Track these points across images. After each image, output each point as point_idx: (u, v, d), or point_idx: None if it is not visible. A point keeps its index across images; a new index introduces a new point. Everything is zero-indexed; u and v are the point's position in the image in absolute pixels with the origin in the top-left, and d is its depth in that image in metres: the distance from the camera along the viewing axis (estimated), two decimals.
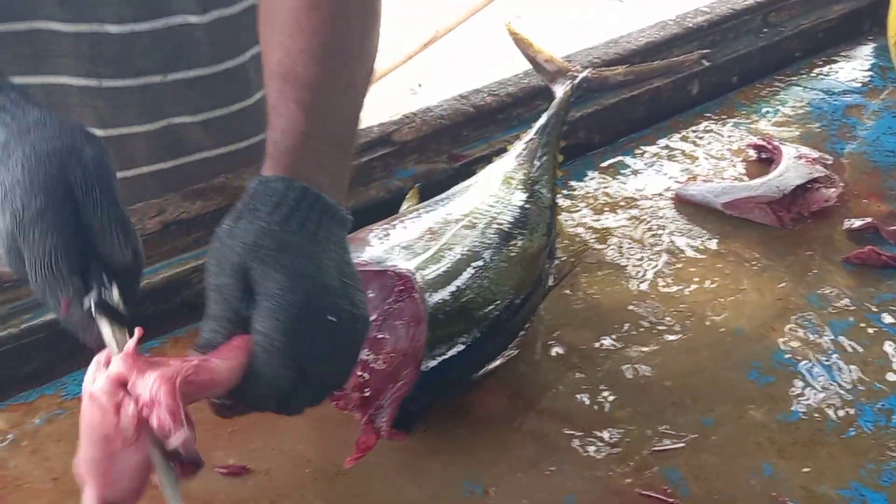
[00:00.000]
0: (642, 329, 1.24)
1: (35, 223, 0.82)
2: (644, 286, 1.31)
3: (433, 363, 1.05)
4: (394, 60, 3.99)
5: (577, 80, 1.51)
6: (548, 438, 1.09)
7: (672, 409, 1.13)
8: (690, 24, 1.79)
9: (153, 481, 0.80)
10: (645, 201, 1.49)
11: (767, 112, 1.74)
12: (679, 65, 1.68)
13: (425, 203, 1.29)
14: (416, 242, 1.16)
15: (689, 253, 1.39)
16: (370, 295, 1.05)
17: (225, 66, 1.33)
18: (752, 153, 1.61)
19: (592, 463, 1.06)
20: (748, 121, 1.71)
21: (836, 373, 1.18)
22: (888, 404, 1.14)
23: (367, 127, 1.45)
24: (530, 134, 1.40)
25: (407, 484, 1.03)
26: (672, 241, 1.41)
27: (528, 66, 1.59)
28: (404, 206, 1.34)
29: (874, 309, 1.29)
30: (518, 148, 1.38)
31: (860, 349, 1.22)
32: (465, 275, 1.13)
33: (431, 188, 1.36)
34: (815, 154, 1.57)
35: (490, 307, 1.12)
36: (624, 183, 1.54)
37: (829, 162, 1.57)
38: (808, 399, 1.15)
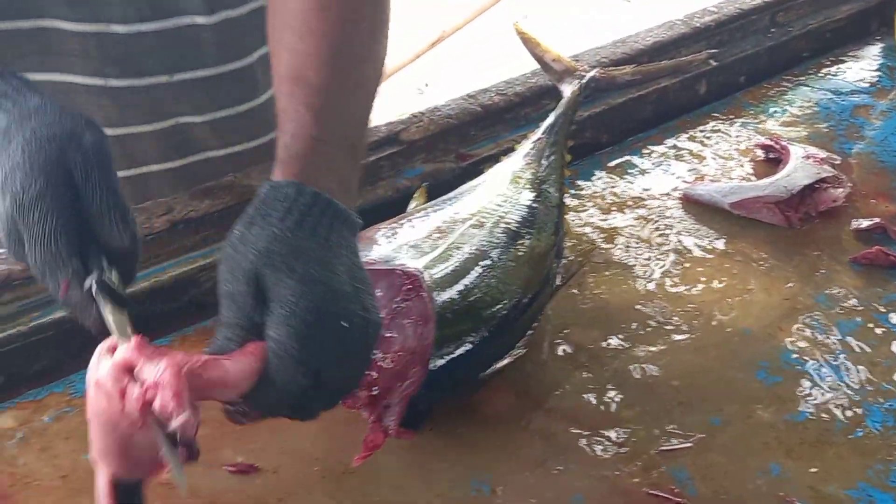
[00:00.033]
0: (650, 329, 1.24)
1: (35, 205, 0.83)
2: (651, 286, 1.31)
3: (441, 362, 1.05)
4: (401, 60, 3.99)
5: (585, 80, 1.51)
6: (555, 437, 1.09)
7: (679, 409, 1.13)
8: (698, 24, 1.79)
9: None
10: (652, 201, 1.49)
11: (775, 112, 1.74)
12: (687, 64, 1.67)
13: (433, 202, 1.29)
14: (423, 241, 1.16)
15: (697, 253, 1.39)
16: (378, 294, 1.05)
17: (232, 67, 1.33)
18: (760, 153, 1.61)
19: (600, 462, 1.06)
20: (756, 121, 1.71)
21: (843, 373, 1.18)
22: None
23: (374, 126, 1.45)
24: (538, 133, 1.40)
25: (414, 482, 1.03)
26: (679, 241, 1.41)
27: (535, 65, 1.59)
28: (412, 205, 1.34)
29: (882, 309, 1.28)
30: (526, 147, 1.38)
31: (868, 349, 1.22)
32: (473, 274, 1.13)
33: (439, 187, 1.36)
34: (822, 154, 1.57)
35: (498, 306, 1.12)
36: (631, 182, 1.54)
37: (837, 162, 1.56)
38: (815, 399, 1.14)
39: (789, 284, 1.33)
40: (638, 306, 1.28)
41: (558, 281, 1.26)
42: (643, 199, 1.49)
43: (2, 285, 1.14)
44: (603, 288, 1.31)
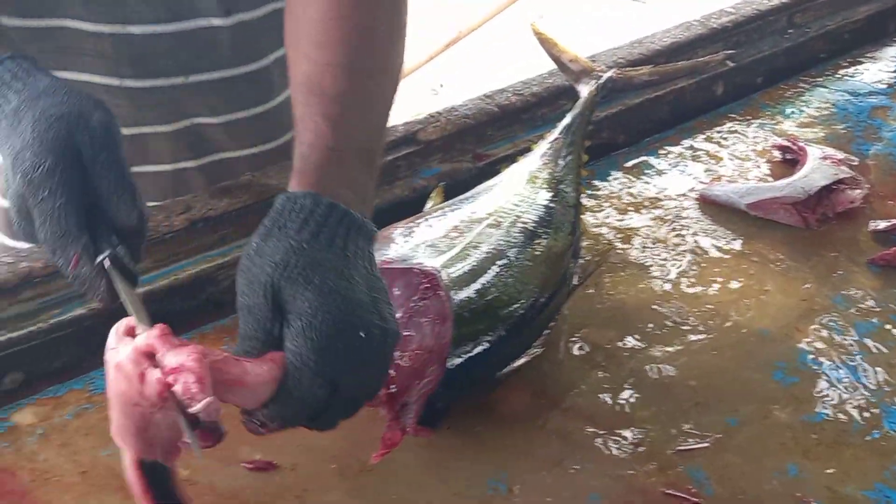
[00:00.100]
0: (666, 329, 1.24)
1: (44, 182, 0.84)
2: (668, 286, 1.32)
3: (458, 360, 1.05)
4: (417, 60, 3.99)
5: (602, 80, 1.51)
6: (572, 437, 1.09)
7: (696, 409, 1.13)
8: (715, 25, 1.79)
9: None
10: (669, 201, 1.49)
11: (792, 113, 1.74)
12: (704, 65, 1.67)
13: (450, 202, 1.29)
14: (441, 240, 1.17)
15: (714, 253, 1.38)
16: (396, 292, 1.06)
17: (247, 69, 1.33)
18: (777, 154, 1.61)
19: (616, 462, 1.06)
20: (773, 122, 1.71)
21: (860, 374, 1.18)
22: None
23: (391, 126, 1.45)
24: (555, 133, 1.40)
25: (431, 480, 1.04)
26: (696, 242, 1.40)
27: (551, 65, 1.59)
28: (429, 204, 1.34)
29: None
30: (543, 147, 1.38)
31: (885, 350, 1.21)
32: (490, 273, 1.14)
33: (456, 187, 1.37)
34: (840, 155, 1.56)
35: (515, 305, 1.12)
36: (648, 183, 1.54)
37: (855, 163, 1.56)
38: (832, 400, 1.14)
39: (806, 285, 1.33)
40: (654, 306, 1.28)
41: (575, 281, 1.26)
42: (660, 200, 1.49)
43: (22, 283, 1.15)
44: (619, 288, 1.31)
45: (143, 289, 1.17)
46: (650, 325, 1.24)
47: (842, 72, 1.87)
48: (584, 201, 1.40)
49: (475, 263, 1.14)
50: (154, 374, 0.79)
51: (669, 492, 1.02)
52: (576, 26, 4.16)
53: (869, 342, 1.23)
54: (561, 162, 1.35)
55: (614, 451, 1.07)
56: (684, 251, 1.38)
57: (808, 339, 1.23)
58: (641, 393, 1.15)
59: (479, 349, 1.08)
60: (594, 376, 1.17)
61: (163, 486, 0.84)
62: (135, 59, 1.26)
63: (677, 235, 1.42)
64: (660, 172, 1.57)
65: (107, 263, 0.86)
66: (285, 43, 1.06)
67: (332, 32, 1.00)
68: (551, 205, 1.27)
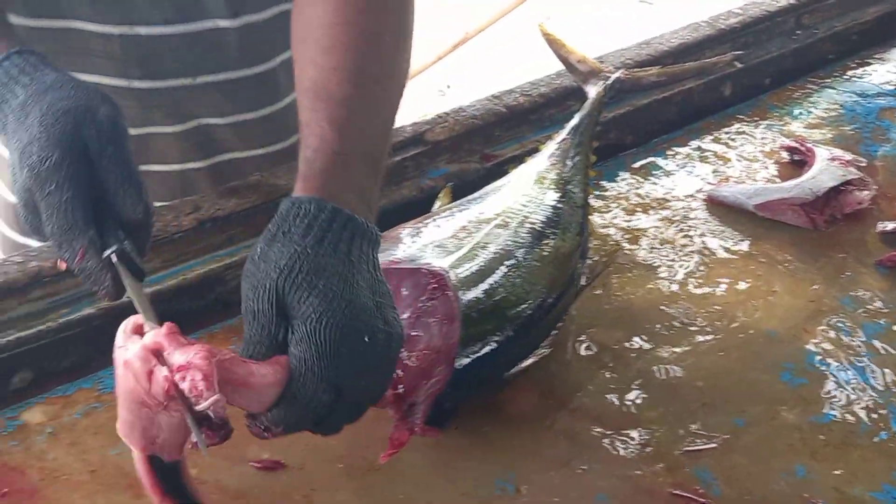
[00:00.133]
0: (674, 330, 1.24)
1: (51, 176, 0.85)
2: (675, 287, 1.32)
3: (466, 361, 1.05)
4: (424, 61, 3.99)
5: (610, 81, 1.51)
6: (579, 437, 1.09)
7: (703, 410, 1.13)
8: (723, 26, 1.79)
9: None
10: (677, 202, 1.49)
11: (800, 114, 1.74)
12: (712, 66, 1.67)
13: (458, 202, 1.29)
14: (449, 241, 1.17)
15: (721, 254, 1.38)
16: (404, 293, 1.06)
17: (254, 71, 1.34)
18: (785, 155, 1.61)
19: (624, 462, 1.06)
20: (781, 123, 1.71)
21: (868, 375, 1.18)
22: None
23: (399, 126, 1.46)
24: (563, 134, 1.40)
25: (439, 480, 1.04)
26: (704, 243, 1.40)
27: (558, 66, 1.60)
28: (436, 205, 1.34)
29: None
30: (551, 147, 1.38)
31: (893, 351, 1.21)
32: (498, 273, 1.14)
33: (463, 188, 1.37)
34: (848, 156, 1.56)
35: (523, 306, 1.12)
36: (655, 184, 1.54)
37: (863, 164, 1.56)
38: (840, 401, 1.14)
39: (814, 286, 1.33)
40: (662, 307, 1.28)
41: (583, 281, 1.26)
42: (667, 201, 1.49)
43: (32, 282, 1.15)
44: (627, 289, 1.31)
45: (152, 289, 1.18)
46: (658, 326, 1.24)
47: (850, 73, 1.87)
48: (592, 202, 1.40)
49: (483, 264, 1.14)
50: (162, 372, 0.80)
51: (677, 492, 1.02)
52: (576, 26, 4.15)
53: (877, 343, 1.23)
54: (569, 162, 1.35)
55: (622, 452, 1.07)
56: (692, 252, 1.38)
57: (816, 341, 1.23)
58: (649, 393, 1.15)
59: (486, 349, 1.08)
60: (602, 377, 1.17)
61: (172, 479, 0.85)
62: (143, 61, 1.26)
63: (685, 236, 1.42)
64: (667, 173, 1.56)
65: (114, 258, 0.86)
66: (292, 48, 1.06)
67: (339, 38, 1.00)
68: (559, 205, 1.27)
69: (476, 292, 1.10)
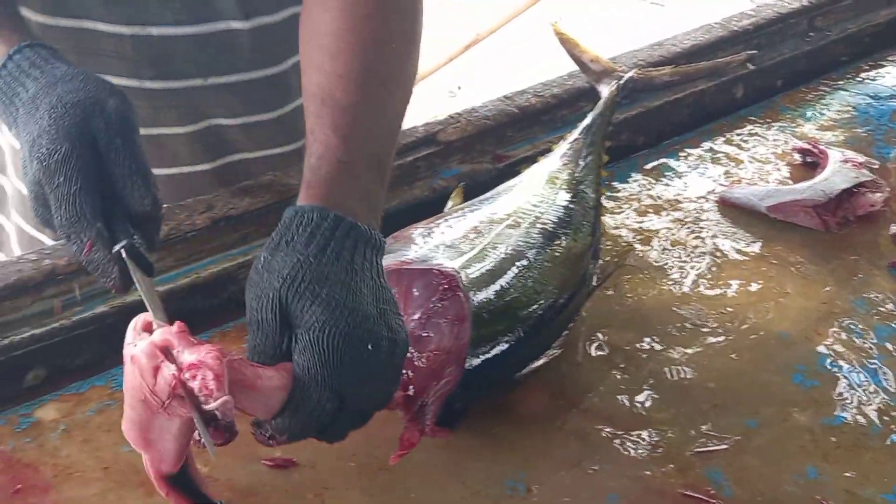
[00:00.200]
0: (685, 331, 1.24)
1: (60, 168, 0.86)
2: (687, 288, 1.31)
3: (477, 361, 1.05)
4: (435, 62, 4.00)
5: (623, 80, 1.50)
6: (590, 438, 1.09)
7: (715, 411, 1.13)
8: (736, 28, 1.78)
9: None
10: (689, 204, 1.49)
11: (813, 116, 1.73)
12: (725, 66, 1.67)
13: (469, 202, 1.30)
14: (460, 241, 1.17)
15: (733, 256, 1.38)
16: (415, 293, 1.06)
17: (266, 73, 1.34)
18: (797, 157, 1.60)
19: (635, 463, 1.06)
20: (793, 125, 1.70)
21: (881, 377, 1.18)
22: None
23: (411, 127, 1.46)
24: (575, 134, 1.40)
25: (449, 480, 1.04)
26: (715, 244, 1.40)
27: (572, 67, 1.60)
28: (448, 205, 1.34)
29: None
30: (563, 148, 1.38)
31: None
32: (510, 274, 1.14)
33: (475, 188, 1.37)
34: (861, 158, 1.56)
35: (534, 306, 1.12)
36: (668, 185, 1.54)
37: (876, 166, 1.56)
38: (852, 403, 1.14)
39: (826, 288, 1.32)
40: (673, 308, 1.28)
41: (594, 282, 1.26)
42: (679, 202, 1.49)
43: (45, 280, 1.16)
44: (638, 290, 1.31)
45: (165, 287, 1.18)
46: (669, 327, 1.24)
47: (863, 75, 1.87)
48: (604, 202, 1.40)
49: (494, 264, 1.14)
50: (169, 370, 0.80)
51: (688, 493, 1.02)
52: (583, 26, 4.15)
53: (889, 346, 1.22)
54: (581, 163, 1.35)
55: (633, 453, 1.07)
56: (703, 253, 1.38)
57: (828, 342, 1.23)
58: (660, 394, 1.15)
59: (497, 350, 1.08)
60: (613, 378, 1.17)
61: (182, 477, 0.85)
62: (155, 61, 1.27)
63: (697, 237, 1.41)
64: (679, 175, 1.56)
65: (123, 253, 0.86)
66: (300, 52, 1.07)
67: (346, 44, 1.00)
68: (571, 206, 1.27)
69: (487, 293, 1.10)
